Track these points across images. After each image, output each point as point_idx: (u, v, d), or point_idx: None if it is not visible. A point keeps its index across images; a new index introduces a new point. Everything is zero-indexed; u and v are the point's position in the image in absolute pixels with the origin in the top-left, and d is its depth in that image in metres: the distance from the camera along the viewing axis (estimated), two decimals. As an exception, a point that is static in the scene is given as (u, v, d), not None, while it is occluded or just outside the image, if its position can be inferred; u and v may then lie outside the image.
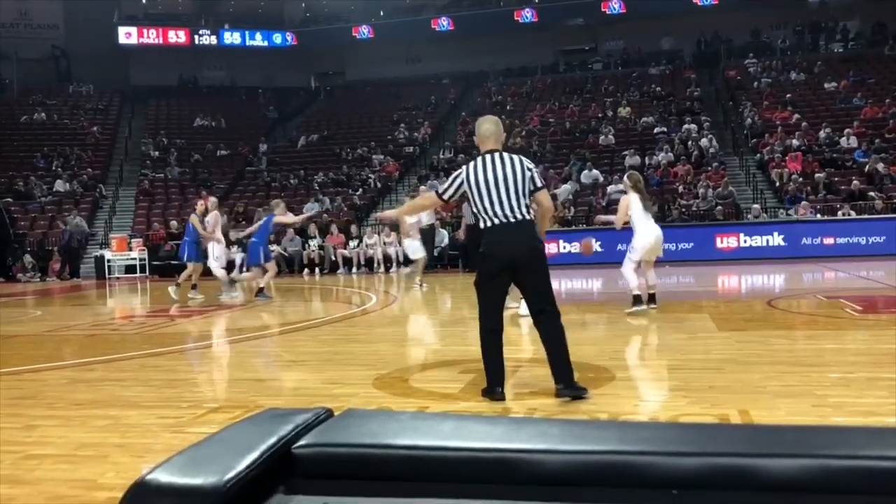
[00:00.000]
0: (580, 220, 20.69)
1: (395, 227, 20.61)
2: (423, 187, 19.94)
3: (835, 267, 15.30)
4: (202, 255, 13.10)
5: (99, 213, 25.56)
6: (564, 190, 21.71)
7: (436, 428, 1.06)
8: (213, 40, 35.77)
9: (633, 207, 8.98)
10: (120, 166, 28.42)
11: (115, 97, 33.30)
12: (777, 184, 21.32)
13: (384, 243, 20.25)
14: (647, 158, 23.54)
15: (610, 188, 21.70)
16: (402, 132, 29.33)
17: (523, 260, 4.70)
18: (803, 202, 19.45)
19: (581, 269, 16.38)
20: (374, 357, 6.95)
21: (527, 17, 33.52)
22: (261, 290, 12.63)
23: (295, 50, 36.42)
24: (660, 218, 20.03)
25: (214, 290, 13.56)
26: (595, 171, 22.79)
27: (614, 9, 32.91)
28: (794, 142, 22.58)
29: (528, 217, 4.77)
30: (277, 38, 36.44)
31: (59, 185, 25.90)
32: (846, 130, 22.71)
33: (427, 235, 18.63)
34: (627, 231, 9.31)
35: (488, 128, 4.98)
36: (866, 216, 18.73)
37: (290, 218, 13.70)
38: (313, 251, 20.45)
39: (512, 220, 4.71)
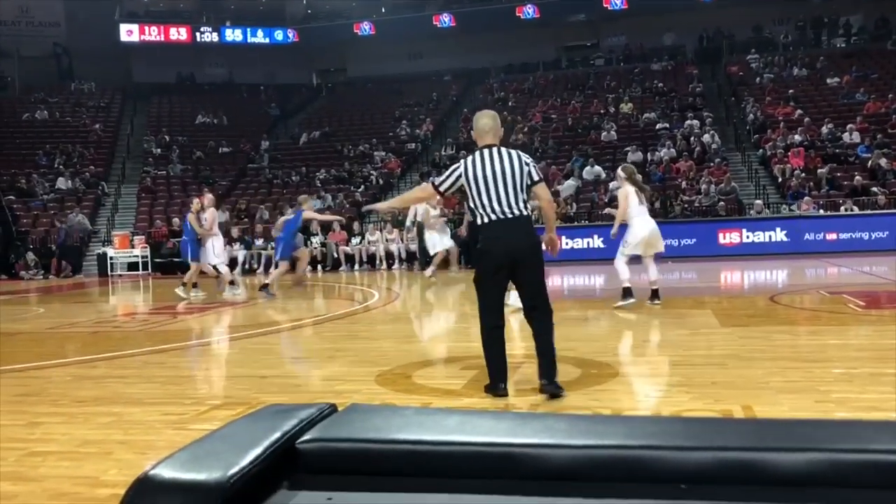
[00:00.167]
0: (582, 216, 20.68)
1: (397, 223, 20.64)
2: (424, 184, 19.93)
3: (837, 262, 15.28)
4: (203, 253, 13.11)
5: (101, 211, 25.58)
6: (569, 186, 21.70)
7: (440, 423, 1.05)
8: (215, 37, 35.75)
9: (630, 200, 8.96)
10: (122, 164, 28.43)
11: (117, 94, 33.31)
12: (779, 179, 21.29)
13: (386, 240, 20.25)
14: (649, 154, 23.51)
15: (612, 184, 21.64)
16: (403, 129, 29.31)
17: (522, 256, 4.68)
18: (806, 198, 19.42)
19: (584, 266, 16.37)
20: (377, 353, 6.95)
21: (528, 14, 33.47)
22: (265, 286, 12.65)
23: (296, 47, 36.39)
24: (662, 214, 20.15)
25: (214, 287, 13.56)
26: (597, 168, 22.76)
27: (616, 4, 32.85)
28: (797, 137, 22.53)
29: (525, 213, 4.74)
30: (279, 35, 36.41)
31: (62, 183, 25.92)
32: (849, 126, 22.66)
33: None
34: (622, 228, 9.29)
35: (486, 122, 4.95)
36: (869, 212, 18.71)
37: (318, 214, 13.63)
38: (315, 248, 20.45)
39: (510, 215, 4.68)
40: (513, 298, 10.13)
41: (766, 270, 15.28)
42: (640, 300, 9.10)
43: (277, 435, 0.97)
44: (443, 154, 26.08)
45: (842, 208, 19.00)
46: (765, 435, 0.95)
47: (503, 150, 4.86)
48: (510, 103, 29.23)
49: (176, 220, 22.48)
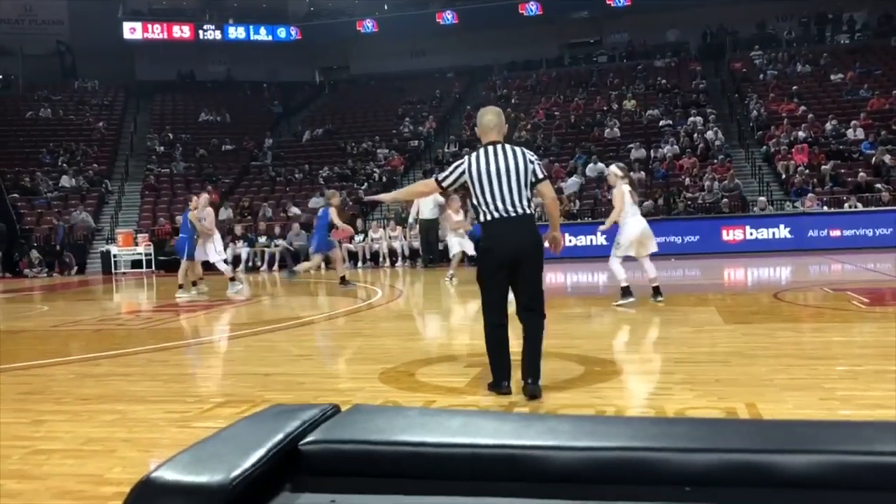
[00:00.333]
0: (586, 213, 20.66)
1: (400, 220, 20.64)
2: (427, 179, 19.92)
3: (841, 259, 15.25)
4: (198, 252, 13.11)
5: (105, 209, 25.62)
6: (572, 183, 21.68)
7: (444, 424, 1.05)
8: (218, 35, 35.75)
9: (625, 199, 8.94)
10: (125, 161, 28.46)
11: (120, 92, 33.33)
12: (783, 176, 21.25)
13: (389, 237, 20.24)
14: (652, 151, 23.47)
15: (634, 184, 21.62)
16: (406, 126, 29.29)
17: (524, 254, 4.66)
18: (809, 194, 19.38)
19: (587, 263, 16.35)
20: (380, 351, 6.95)
21: (531, 11, 33.41)
22: (292, 272, 12.78)
23: (299, 44, 36.37)
24: (665, 211, 20.14)
25: (219, 285, 13.57)
26: (600, 165, 22.69)
27: (619, 1, 32.76)
28: (801, 134, 22.48)
29: (528, 211, 4.71)
30: (282, 33, 36.39)
31: (65, 181, 25.96)
32: (853, 122, 22.60)
33: (431, 229, 18.66)
34: (613, 227, 9.27)
35: (491, 119, 4.91)
36: (873, 208, 18.65)
37: (338, 220, 13.46)
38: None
39: (512, 213, 4.66)
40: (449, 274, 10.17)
41: (769, 267, 15.25)
42: (642, 298, 9.09)
43: (280, 436, 0.97)
44: (446, 151, 26.06)
45: (846, 205, 18.95)
46: (770, 436, 0.94)
47: (507, 147, 4.82)
48: (513, 100, 29.19)
49: (179, 218, 22.51)
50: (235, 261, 20.42)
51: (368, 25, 35.29)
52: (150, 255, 21.61)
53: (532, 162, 4.79)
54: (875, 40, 29.64)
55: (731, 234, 18.56)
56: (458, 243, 14.29)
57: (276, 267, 20.21)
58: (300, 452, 0.97)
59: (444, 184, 4.95)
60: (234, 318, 10.57)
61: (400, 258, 19.82)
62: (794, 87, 26.07)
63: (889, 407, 4.20)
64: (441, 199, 15.91)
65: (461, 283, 12.61)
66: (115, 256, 21.60)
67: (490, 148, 4.79)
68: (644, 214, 19.70)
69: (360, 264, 19.92)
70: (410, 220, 19.27)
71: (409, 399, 4.82)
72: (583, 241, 18.57)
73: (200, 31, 35.42)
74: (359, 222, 20.80)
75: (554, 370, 5.24)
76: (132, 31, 34.50)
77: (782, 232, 18.28)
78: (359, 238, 20.46)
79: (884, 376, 4.94)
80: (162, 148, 29.06)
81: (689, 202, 20.30)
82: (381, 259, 19.88)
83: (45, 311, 12.50)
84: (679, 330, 7.44)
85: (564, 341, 6.48)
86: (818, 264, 15.03)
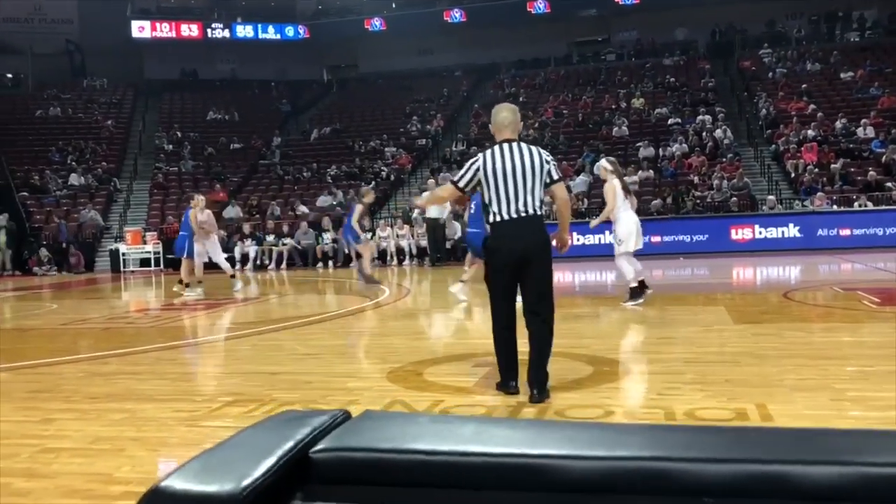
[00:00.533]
0: (594, 212, 20.58)
1: (407, 219, 20.64)
2: (431, 181, 19.91)
3: (851, 258, 15.17)
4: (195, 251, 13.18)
5: (113, 207, 25.70)
6: (580, 182, 21.63)
7: (456, 432, 1.03)
8: (226, 34, 35.84)
9: (617, 194, 8.89)
10: (134, 160, 28.55)
11: (129, 91, 33.45)
12: (792, 175, 21.15)
13: (397, 236, 20.24)
14: (661, 150, 23.40)
15: (579, 179, 21.63)
16: (414, 125, 29.29)
17: (531, 254, 4.59)
18: (819, 193, 19.29)
19: (595, 262, 16.31)
20: (388, 350, 6.94)
21: (540, 9, 33.36)
22: (363, 274, 12.94)
23: (307, 43, 36.42)
24: (674, 209, 20.06)
25: (220, 284, 13.60)
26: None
27: (627, -1, 32.72)
28: (810, 132, 22.37)
29: (539, 212, 4.65)
30: (290, 31, 36.45)
31: (74, 179, 26.06)
32: (863, 120, 22.47)
33: (437, 227, 18.67)
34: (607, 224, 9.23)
35: (506, 116, 4.80)
36: (883, 207, 18.54)
37: (356, 222, 13.54)
38: (327, 244, 20.49)
39: (523, 214, 4.58)
40: (457, 287, 10.08)
41: (778, 267, 15.18)
42: (651, 296, 9.06)
43: (291, 444, 0.95)
44: (453, 150, 26.05)
45: (856, 204, 18.85)
46: (793, 446, 0.92)
47: (523, 145, 4.73)
48: (521, 98, 29.12)
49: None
50: (244, 259, 20.49)
51: (376, 24, 35.30)
52: (159, 253, 21.66)
53: (548, 162, 4.70)
54: (886, 38, 29.49)
55: (740, 233, 18.48)
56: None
57: (283, 265, 20.24)
58: (311, 460, 0.95)
59: (461, 184, 4.79)
60: (241, 317, 10.58)
61: (407, 257, 19.82)
62: (804, 86, 25.95)
63: (901, 408, 4.16)
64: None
65: (472, 281, 12.57)
66: (123, 255, 21.67)
67: (505, 146, 4.70)
68: (652, 213, 19.68)
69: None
70: (416, 213, 19.37)
71: (416, 399, 4.81)
72: (591, 239, 18.50)
73: (209, 30, 35.52)
74: (366, 221, 20.78)
75: (562, 370, 5.22)
76: (141, 29, 34.63)
77: (791, 231, 18.19)
78: (366, 236, 20.45)
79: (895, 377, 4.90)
80: (170, 146, 29.13)
81: (698, 201, 20.22)
82: (388, 257, 19.88)
83: (53, 310, 12.54)
84: (688, 330, 7.41)
85: (572, 341, 6.46)
86: (828, 264, 14.95)
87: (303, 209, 22.94)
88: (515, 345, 4.73)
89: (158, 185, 26.50)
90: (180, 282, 13.27)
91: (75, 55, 35.03)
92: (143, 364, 6.64)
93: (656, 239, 18.32)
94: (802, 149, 21.68)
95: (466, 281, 10.31)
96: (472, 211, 10.49)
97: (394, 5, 36.16)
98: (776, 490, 0.83)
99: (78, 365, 6.71)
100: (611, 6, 33.17)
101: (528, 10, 33.37)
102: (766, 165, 22.63)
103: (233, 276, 13.55)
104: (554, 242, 4.93)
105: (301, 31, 36.45)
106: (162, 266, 21.44)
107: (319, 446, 0.97)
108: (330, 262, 20.19)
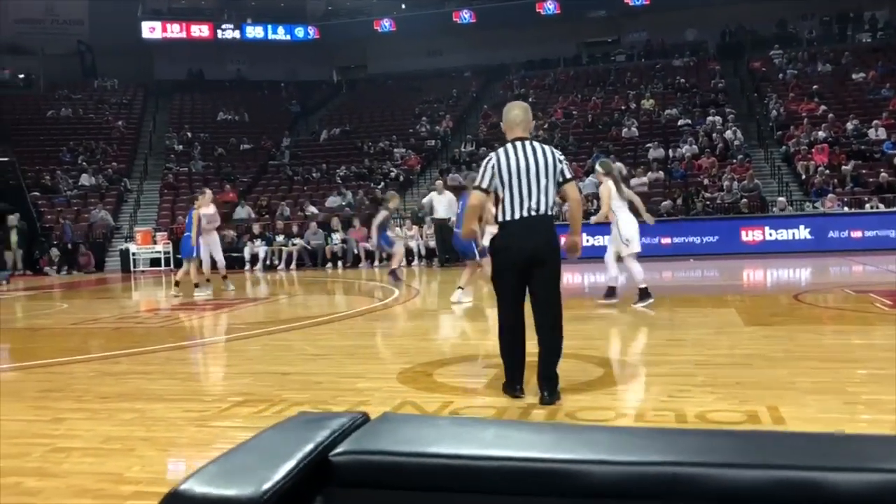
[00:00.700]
0: (603, 213, 20.53)
1: (417, 220, 20.63)
2: (439, 181, 19.91)
3: (863, 261, 15.08)
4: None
5: (124, 207, 25.80)
6: (590, 183, 21.58)
7: (477, 435, 1.02)
8: (236, 34, 35.95)
9: (612, 195, 8.90)
10: (144, 160, 28.66)
11: (140, 91, 33.58)
12: (803, 176, 21.05)
13: (406, 237, 20.23)
14: (670, 151, 23.33)
15: (633, 181, 21.51)
16: (423, 125, 29.30)
17: (540, 256, 4.52)
18: (830, 195, 19.18)
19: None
20: (397, 351, 6.94)
21: (549, 10, 33.32)
22: (392, 271, 13.07)
23: (317, 44, 36.49)
24: (684, 211, 19.99)
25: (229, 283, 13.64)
26: (618, 164, 22.56)
27: (637, 0, 32.62)
28: (821, 133, 22.26)
29: (550, 213, 4.61)
30: (300, 32, 36.52)
31: (85, 179, 26.18)
32: (874, 122, 22.34)
33: (445, 228, 18.63)
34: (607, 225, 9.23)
35: (517, 114, 4.74)
36: (895, 209, 18.44)
37: (375, 227, 13.71)
38: (336, 245, 20.51)
39: (535, 213, 4.53)
40: (457, 296, 10.10)
41: (789, 269, 15.11)
42: (658, 298, 9.03)
43: (310, 447, 0.94)
44: (462, 151, 26.04)
45: (867, 206, 18.75)
46: (823, 452, 0.91)
47: (536, 144, 4.67)
48: (530, 99, 29.04)
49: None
50: (253, 259, 20.54)
51: (386, 25, 35.35)
52: (169, 253, 21.73)
53: (561, 161, 4.66)
54: (897, 39, 29.30)
55: (751, 235, 18.40)
56: None
57: (293, 266, 20.27)
58: (331, 464, 0.94)
59: (484, 185, 4.64)
60: (251, 317, 10.60)
61: (416, 257, 19.82)
62: (815, 87, 25.82)
63: (914, 412, 4.13)
64: (453, 198, 16.25)
65: (472, 282, 12.56)
66: (133, 254, 21.76)
67: (518, 144, 4.64)
68: (662, 214, 19.59)
69: (376, 263, 19.93)
70: (424, 207, 19.45)
71: (426, 400, 4.80)
72: (600, 241, 18.43)
73: (219, 31, 35.64)
74: (391, 225, 20.80)
75: (572, 372, 5.20)
76: (151, 30, 34.77)
77: (802, 233, 18.10)
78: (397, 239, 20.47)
79: (908, 380, 4.86)
80: (180, 147, 29.23)
81: (708, 202, 20.15)
82: (380, 256, 19.86)
83: (64, 309, 12.59)
84: (698, 331, 7.37)
85: (583, 342, 6.44)
86: (839, 266, 14.87)
87: (312, 210, 22.97)
88: (523, 347, 4.67)
89: (169, 186, 26.59)
90: (176, 284, 13.35)
91: (86, 56, 35.20)
92: (154, 364, 6.66)
93: (666, 240, 18.27)
94: (813, 150, 21.57)
95: (465, 287, 10.31)
96: (460, 210, 10.61)
97: (403, 6, 36.19)
98: (805, 497, 0.81)
99: (89, 364, 6.73)
100: (620, 7, 33.10)
101: (538, 10, 33.34)
102: (777, 167, 22.53)
103: (224, 277, 13.63)
104: (564, 244, 4.87)
105: (311, 32, 36.52)
106: (172, 266, 21.49)
107: (339, 449, 0.96)
108: (339, 263, 20.20)
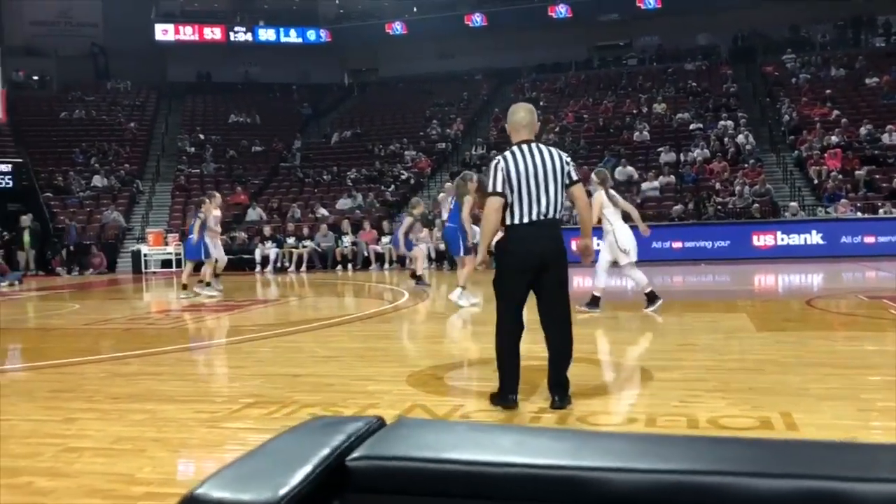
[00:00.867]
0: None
1: (427, 223, 20.61)
2: (448, 184, 19.89)
3: (876, 266, 14.97)
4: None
5: (136, 208, 25.92)
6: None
7: (496, 442, 1.01)
8: (249, 37, 36.08)
9: (604, 204, 8.86)
10: (156, 162, 28.78)
11: (152, 93, 33.75)
12: (815, 181, 20.94)
13: (416, 239, 20.23)
14: (682, 155, 23.26)
15: (644, 185, 21.48)
16: (434, 128, 29.31)
17: (549, 260, 4.46)
18: (843, 200, 19.07)
19: (613, 268, 16.20)
20: (407, 354, 6.94)
21: (561, 13, 33.29)
22: (418, 278, 13.10)
23: (329, 46, 36.58)
24: (695, 215, 19.92)
25: (243, 285, 13.68)
26: (630, 168, 22.56)
27: (649, 4, 32.54)
28: (834, 138, 22.14)
29: (558, 216, 4.56)
30: (311, 35, 36.63)
31: (97, 181, 26.31)
32: (888, 126, 22.20)
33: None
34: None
35: (523, 116, 4.68)
36: (909, 214, 18.32)
37: (403, 230, 13.98)
38: (346, 247, 20.53)
39: (542, 217, 4.47)
40: (456, 294, 10.09)
41: (801, 274, 15.03)
42: (669, 303, 9.00)
43: (327, 451, 0.93)
44: (473, 154, 26.04)
45: (880, 211, 18.63)
46: (849, 461, 0.89)
47: (542, 146, 4.61)
48: (542, 103, 29.04)
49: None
50: (264, 261, 20.59)
51: (397, 27, 35.40)
52: (180, 254, 21.79)
53: (568, 164, 4.61)
54: (911, 44, 29.12)
55: (762, 240, 18.31)
56: None
57: (303, 268, 20.31)
58: (347, 469, 0.93)
59: (498, 189, 4.54)
60: (261, 319, 10.62)
61: (427, 260, 19.79)
62: (828, 91, 25.69)
63: (929, 419, 4.09)
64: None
65: (479, 286, 12.54)
66: (145, 256, 21.85)
67: (525, 146, 4.58)
68: (673, 219, 19.52)
69: (386, 266, 19.95)
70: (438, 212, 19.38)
71: (437, 403, 4.79)
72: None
73: (231, 33, 35.78)
74: (385, 224, 20.83)
75: (583, 376, 5.18)
76: (164, 32, 34.96)
77: (814, 238, 18.00)
78: (386, 240, 20.48)
79: (923, 387, 4.81)
80: (192, 149, 29.35)
81: (720, 207, 20.07)
82: (407, 261, 19.85)
83: (76, 310, 12.65)
84: (710, 337, 7.34)
85: (593, 347, 6.42)
86: (851, 271, 14.77)
87: (323, 212, 23.02)
88: (518, 353, 4.56)
89: (180, 187, 26.69)
90: (184, 287, 13.42)
91: (99, 58, 35.42)
92: (164, 365, 6.68)
93: (677, 245, 18.21)
94: (826, 155, 21.45)
95: (464, 285, 10.26)
96: (452, 207, 10.65)
97: (415, 9, 36.22)
98: None
99: (100, 365, 6.75)
100: (632, 11, 33.03)
101: (550, 14, 33.31)
102: (789, 171, 22.42)
103: (217, 276, 13.71)
104: (576, 248, 4.84)
105: (323, 35, 36.61)
106: (183, 267, 21.57)
107: (356, 454, 0.95)
108: (349, 265, 20.23)
